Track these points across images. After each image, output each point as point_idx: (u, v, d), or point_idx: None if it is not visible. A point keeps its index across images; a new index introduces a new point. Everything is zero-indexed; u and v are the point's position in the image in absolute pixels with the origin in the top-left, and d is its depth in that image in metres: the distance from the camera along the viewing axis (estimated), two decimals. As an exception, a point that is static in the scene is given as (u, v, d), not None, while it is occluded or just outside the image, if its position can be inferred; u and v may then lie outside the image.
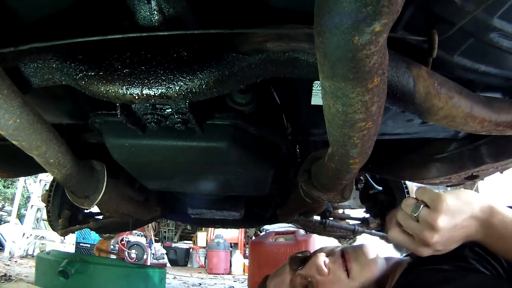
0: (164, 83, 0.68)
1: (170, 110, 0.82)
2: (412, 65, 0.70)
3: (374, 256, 0.92)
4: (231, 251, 9.24)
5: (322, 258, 0.92)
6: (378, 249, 0.95)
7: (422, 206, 0.75)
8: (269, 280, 1.06)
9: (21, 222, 8.34)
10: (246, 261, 7.54)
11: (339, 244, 1.23)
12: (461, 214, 0.74)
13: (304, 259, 0.98)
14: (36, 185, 7.86)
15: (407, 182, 2.31)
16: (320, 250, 1.00)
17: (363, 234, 2.42)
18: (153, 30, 0.67)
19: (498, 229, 0.73)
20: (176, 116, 0.83)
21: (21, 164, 1.37)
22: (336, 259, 0.91)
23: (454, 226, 0.74)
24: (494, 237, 0.74)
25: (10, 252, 7.10)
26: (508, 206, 0.78)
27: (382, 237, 2.39)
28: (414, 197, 0.78)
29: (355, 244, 1.00)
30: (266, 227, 5.78)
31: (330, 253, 0.96)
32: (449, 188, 1.66)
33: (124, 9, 0.67)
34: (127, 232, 7.23)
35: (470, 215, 0.74)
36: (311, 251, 1.02)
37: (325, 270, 0.90)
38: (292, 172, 1.43)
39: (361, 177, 1.95)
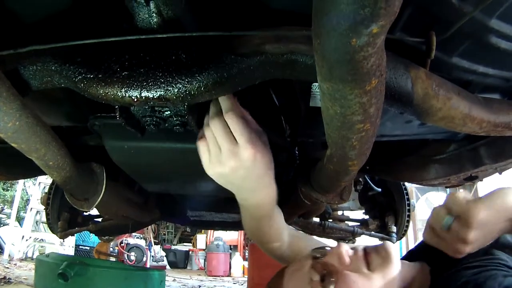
0: (163, 85, 0.68)
1: (169, 112, 0.82)
2: (410, 67, 0.70)
3: (395, 254, 0.89)
4: (230, 253, 9.24)
5: (345, 248, 0.89)
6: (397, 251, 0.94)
7: (453, 219, 0.74)
8: (289, 267, 1.05)
9: (21, 224, 8.34)
10: (246, 263, 7.53)
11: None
12: (495, 222, 0.73)
13: (325, 251, 0.96)
14: (36, 188, 7.86)
15: (406, 183, 2.32)
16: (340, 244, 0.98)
17: (363, 236, 2.42)
18: (152, 32, 0.67)
19: None
20: (175, 119, 0.83)
21: (20, 166, 1.37)
22: (358, 251, 0.89)
23: (487, 234, 0.73)
24: None
25: (9, 255, 7.10)
26: None
27: (381, 239, 2.39)
28: (445, 206, 0.76)
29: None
30: (265, 229, 5.76)
31: (352, 247, 0.94)
32: (448, 190, 1.66)
33: (123, 12, 0.67)
34: (127, 234, 7.22)
35: (506, 218, 0.73)
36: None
37: (347, 259, 0.87)
38: (291, 174, 1.43)
39: (360, 179, 1.95)
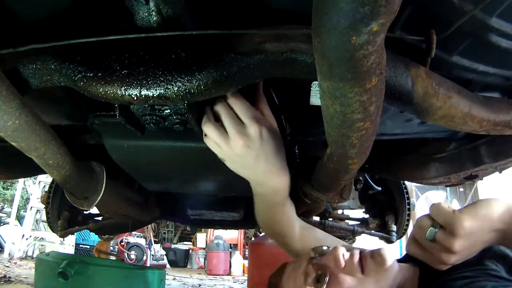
0: (163, 84, 0.68)
1: (168, 111, 0.82)
2: (410, 65, 0.70)
3: (391, 260, 0.90)
4: (230, 252, 9.24)
5: (342, 251, 0.90)
6: (394, 255, 0.94)
7: (437, 229, 0.73)
8: (288, 265, 1.06)
9: (21, 223, 8.35)
10: (246, 262, 7.54)
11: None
12: (480, 232, 0.72)
13: (323, 251, 0.97)
14: (35, 187, 7.87)
15: (406, 182, 2.31)
16: (337, 246, 0.99)
17: (363, 235, 2.42)
18: (151, 31, 0.67)
19: None
20: (174, 117, 0.83)
21: (20, 165, 1.37)
22: (354, 255, 0.90)
23: (472, 244, 0.73)
24: None
25: (9, 254, 7.11)
26: None
27: (381, 238, 2.39)
28: (429, 217, 0.76)
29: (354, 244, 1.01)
30: (265, 227, 5.76)
31: (349, 249, 0.95)
32: (448, 189, 1.66)
33: (122, 10, 0.67)
34: (127, 233, 7.23)
35: (490, 228, 0.72)
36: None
37: (342, 261, 0.88)
38: (291, 172, 1.43)
39: (360, 178, 1.95)
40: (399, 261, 0.97)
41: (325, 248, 0.98)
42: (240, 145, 0.83)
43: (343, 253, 0.90)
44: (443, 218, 0.73)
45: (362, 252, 0.93)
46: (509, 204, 0.74)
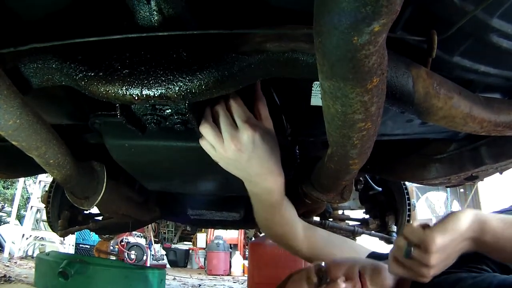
0: (164, 83, 0.68)
1: (169, 110, 0.82)
2: (412, 66, 0.70)
3: (390, 279, 0.95)
4: (230, 252, 9.23)
5: (343, 286, 0.93)
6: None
7: (412, 248, 0.78)
8: (291, 277, 1.07)
9: (21, 223, 8.35)
10: (246, 262, 7.53)
11: (353, 253, 1.25)
12: (452, 244, 0.77)
13: (319, 272, 0.99)
14: (36, 186, 7.86)
15: (406, 182, 2.31)
16: (337, 266, 1.00)
17: (363, 235, 2.42)
18: (152, 30, 0.67)
19: (490, 245, 0.78)
20: (175, 117, 0.83)
21: (21, 164, 1.37)
22: (356, 284, 0.94)
23: (447, 256, 0.79)
24: (487, 250, 0.80)
25: (9, 253, 7.10)
26: (497, 211, 0.83)
27: (381, 238, 2.39)
28: (404, 237, 0.82)
29: (370, 263, 1.03)
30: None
31: (348, 273, 0.97)
32: (448, 190, 1.66)
33: (124, 9, 0.67)
34: (127, 233, 7.23)
35: (462, 239, 0.78)
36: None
37: None
38: (291, 173, 1.43)
39: (361, 178, 1.95)
40: None
41: (323, 265, 1.01)
42: (232, 149, 0.84)
43: (344, 286, 0.93)
44: (416, 237, 0.79)
45: (362, 276, 0.96)
46: (476, 214, 0.79)
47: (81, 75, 0.71)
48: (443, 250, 0.76)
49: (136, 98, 0.69)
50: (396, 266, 0.84)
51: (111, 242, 6.81)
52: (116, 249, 7.33)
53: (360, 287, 0.94)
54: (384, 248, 1.91)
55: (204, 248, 9.90)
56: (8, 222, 8.82)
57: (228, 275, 8.53)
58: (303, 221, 1.23)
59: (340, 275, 0.95)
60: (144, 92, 0.68)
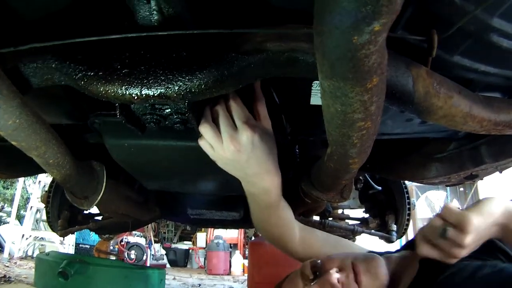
0: (163, 83, 0.67)
1: (169, 110, 0.82)
2: (412, 65, 0.70)
3: (383, 267, 0.97)
4: (230, 252, 9.24)
5: (336, 276, 0.95)
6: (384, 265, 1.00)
7: (449, 229, 0.81)
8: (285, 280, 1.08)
9: (21, 223, 8.34)
10: (246, 262, 7.54)
11: (347, 248, 1.27)
12: (485, 227, 0.82)
13: (315, 268, 1.00)
14: (36, 186, 7.85)
15: (406, 181, 2.32)
16: (331, 260, 1.02)
17: (363, 234, 2.42)
18: (152, 30, 0.67)
19: None
20: (175, 116, 0.83)
21: (21, 164, 1.37)
22: (349, 274, 0.96)
23: (479, 238, 0.82)
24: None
25: (9, 253, 7.10)
26: None
27: (381, 237, 2.39)
28: (440, 217, 0.84)
29: (364, 254, 1.05)
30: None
31: (341, 265, 0.98)
32: (448, 188, 1.67)
33: (123, 9, 0.67)
34: (127, 233, 7.23)
35: (494, 223, 0.83)
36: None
37: (339, 287, 0.94)
38: (291, 172, 1.43)
39: (361, 177, 1.95)
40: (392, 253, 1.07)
41: (319, 262, 1.02)
42: (231, 149, 0.85)
43: (337, 278, 0.95)
44: (454, 217, 0.81)
45: (354, 265, 0.97)
46: (509, 202, 0.85)
47: (80, 74, 0.70)
48: (477, 231, 0.80)
49: (136, 97, 0.69)
50: (426, 247, 0.85)
51: (111, 242, 6.82)
52: (116, 249, 7.33)
53: (353, 276, 0.95)
54: (383, 247, 1.91)
55: (204, 248, 9.90)
56: (8, 222, 8.82)
57: (228, 274, 8.54)
58: (300, 222, 1.23)
59: (333, 267, 0.97)
60: (143, 92, 0.68)
